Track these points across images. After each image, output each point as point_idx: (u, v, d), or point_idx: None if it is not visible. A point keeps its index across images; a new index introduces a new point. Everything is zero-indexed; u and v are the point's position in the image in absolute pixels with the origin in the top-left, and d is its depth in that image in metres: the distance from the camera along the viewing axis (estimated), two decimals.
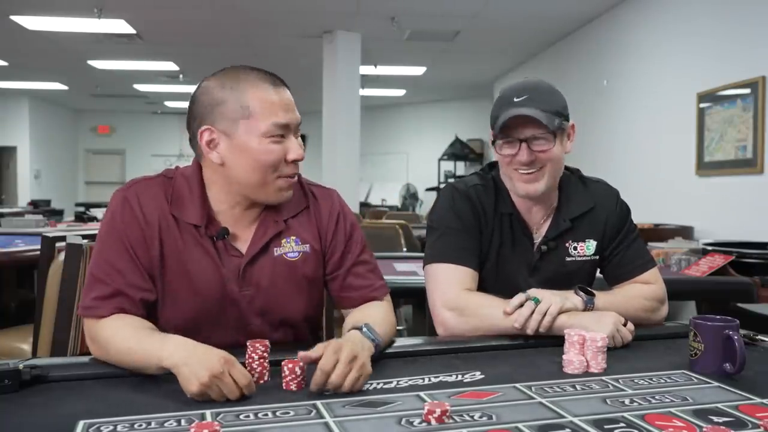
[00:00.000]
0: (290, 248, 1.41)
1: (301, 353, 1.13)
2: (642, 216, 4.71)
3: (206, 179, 1.38)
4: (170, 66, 9.44)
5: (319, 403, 1.04)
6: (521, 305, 1.43)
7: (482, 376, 1.19)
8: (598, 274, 1.70)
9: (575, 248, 1.63)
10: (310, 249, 1.43)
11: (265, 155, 1.31)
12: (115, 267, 1.30)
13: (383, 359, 1.30)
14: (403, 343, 1.43)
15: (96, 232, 1.40)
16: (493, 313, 1.46)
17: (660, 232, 4.40)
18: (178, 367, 1.09)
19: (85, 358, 1.28)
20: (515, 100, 1.53)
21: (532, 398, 1.07)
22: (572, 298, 1.47)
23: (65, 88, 11.67)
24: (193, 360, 1.08)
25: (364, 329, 1.24)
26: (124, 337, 1.21)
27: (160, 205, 1.35)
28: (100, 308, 1.27)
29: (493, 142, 1.58)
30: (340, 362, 1.09)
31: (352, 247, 1.47)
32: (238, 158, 1.32)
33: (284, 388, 1.12)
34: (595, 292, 1.51)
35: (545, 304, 1.42)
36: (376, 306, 1.44)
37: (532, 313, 1.41)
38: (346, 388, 1.08)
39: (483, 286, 1.59)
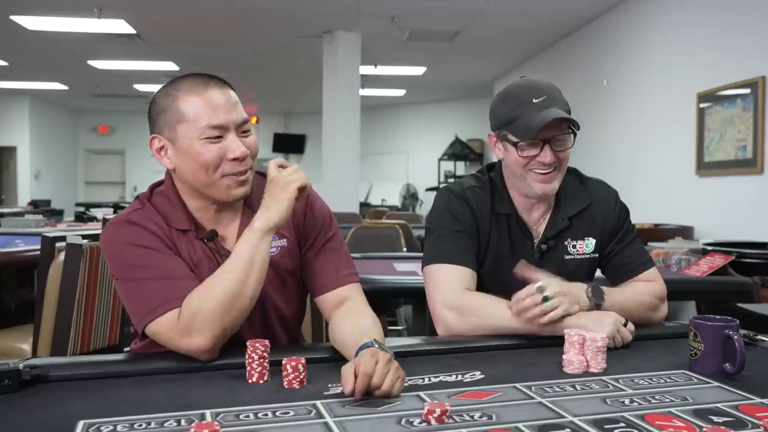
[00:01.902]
0: None
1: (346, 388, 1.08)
2: (642, 216, 4.72)
3: (177, 188, 1.40)
4: (170, 66, 9.44)
5: (319, 403, 1.04)
6: (530, 296, 1.40)
7: (482, 376, 1.19)
8: (598, 273, 1.70)
9: (574, 246, 1.63)
10: (288, 243, 1.44)
11: (202, 156, 1.30)
12: (153, 265, 1.28)
13: None
14: (403, 343, 1.42)
15: (96, 232, 1.40)
16: (494, 313, 1.46)
17: (660, 232, 4.40)
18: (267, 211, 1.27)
19: (85, 358, 1.28)
20: (535, 101, 1.51)
21: (532, 398, 1.07)
22: (582, 302, 1.44)
23: (65, 88, 11.67)
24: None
25: (376, 346, 1.18)
26: (200, 285, 1.25)
27: (158, 221, 1.35)
28: (167, 303, 1.24)
29: (515, 144, 1.53)
30: (379, 363, 1.08)
31: (321, 234, 1.47)
32: (183, 161, 1.34)
33: (286, 386, 1.11)
34: (604, 296, 1.47)
35: (550, 306, 1.39)
36: (357, 313, 1.39)
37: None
38: (385, 389, 1.06)
39: (482, 288, 1.58)
